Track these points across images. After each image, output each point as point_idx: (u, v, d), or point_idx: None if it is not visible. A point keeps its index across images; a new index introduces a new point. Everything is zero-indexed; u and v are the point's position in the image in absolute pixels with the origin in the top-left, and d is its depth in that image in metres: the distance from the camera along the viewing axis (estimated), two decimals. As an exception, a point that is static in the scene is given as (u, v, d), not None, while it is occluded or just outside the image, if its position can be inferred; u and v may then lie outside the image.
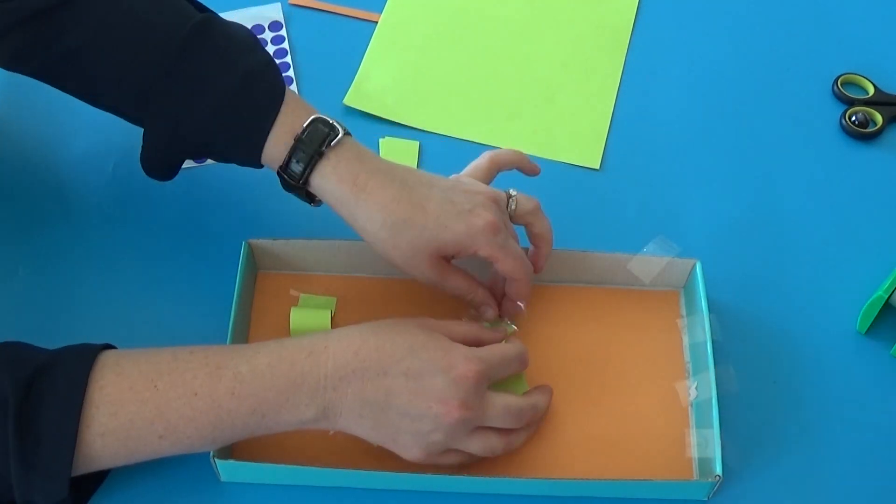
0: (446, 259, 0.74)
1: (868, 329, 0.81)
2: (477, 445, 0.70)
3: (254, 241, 0.80)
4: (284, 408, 0.65)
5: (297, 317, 0.79)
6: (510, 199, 0.76)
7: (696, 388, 0.78)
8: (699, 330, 0.79)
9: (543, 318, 0.81)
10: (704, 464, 0.75)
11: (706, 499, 0.74)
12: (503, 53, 0.99)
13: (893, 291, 0.79)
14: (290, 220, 0.85)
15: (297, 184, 0.72)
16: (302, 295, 0.81)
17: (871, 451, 0.77)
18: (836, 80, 0.97)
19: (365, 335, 0.67)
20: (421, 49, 0.98)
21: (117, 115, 0.79)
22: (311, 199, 0.75)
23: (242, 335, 0.78)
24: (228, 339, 0.74)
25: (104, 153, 0.89)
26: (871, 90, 0.97)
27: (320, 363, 0.66)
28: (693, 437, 0.77)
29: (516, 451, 0.74)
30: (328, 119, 0.73)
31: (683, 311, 0.83)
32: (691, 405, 0.78)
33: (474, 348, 0.69)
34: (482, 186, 0.75)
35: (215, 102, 0.72)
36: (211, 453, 0.69)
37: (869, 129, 0.94)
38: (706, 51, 1.00)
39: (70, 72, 0.76)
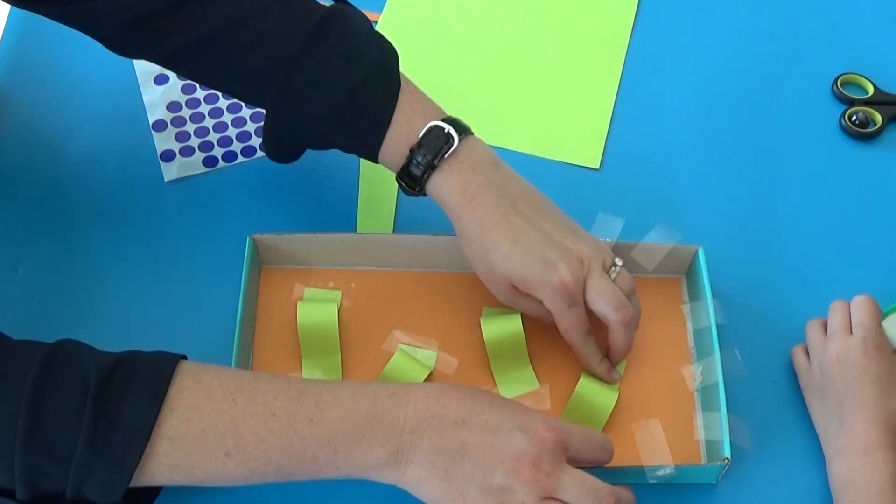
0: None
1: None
2: None
3: (258, 237, 0.80)
4: (359, 444, 0.63)
5: (304, 311, 0.79)
6: (612, 269, 0.75)
7: (702, 372, 0.79)
8: (703, 315, 0.79)
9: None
10: (712, 446, 0.75)
11: (715, 482, 0.75)
12: (503, 53, 1.00)
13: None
14: (292, 214, 0.86)
15: (413, 192, 0.75)
16: (307, 289, 0.82)
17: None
18: (835, 80, 0.98)
19: (446, 387, 0.67)
20: (420, 49, 0.99)
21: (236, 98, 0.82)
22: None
23: (249, 331, 0.78)
24: (236, 336, 0.74)
25: (104, 153, 0.89)
26: (871, 90, 0.97)
27: (402, 404, 0.65)
28: (700, 420, 0.77)
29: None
30: (444, 125, 0.73)
31: (686, 298, 0.83)
32: (697, 390, 0.79)
33: (557, 418, 0.68)
34: (582, 244, 0.74)
35: (332, 101, 0.73)
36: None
37: (869, 129, 0.94)
38: (706, 50, 1.00)
39: (190, 62, 0.77)
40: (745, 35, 1.02)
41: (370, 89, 0.74)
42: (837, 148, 0.94)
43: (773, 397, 0.79)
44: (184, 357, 0.66)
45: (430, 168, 0.73)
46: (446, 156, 0.72)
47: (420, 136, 0.73)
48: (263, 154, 0.86)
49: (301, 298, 0.81)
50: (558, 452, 0.65)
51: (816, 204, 0.90)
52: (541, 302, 0.74)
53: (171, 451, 0.62)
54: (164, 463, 0.62)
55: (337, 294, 0.81)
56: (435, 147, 0.73)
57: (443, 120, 0.74)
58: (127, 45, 0.77)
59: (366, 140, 0.75)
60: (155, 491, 0.68)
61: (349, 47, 0.74)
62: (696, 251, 0.81)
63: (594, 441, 0.68)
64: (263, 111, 0.77)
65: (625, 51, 1.00)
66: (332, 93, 0.73)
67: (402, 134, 0.74)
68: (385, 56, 0.75)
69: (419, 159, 0.73)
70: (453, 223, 0.75)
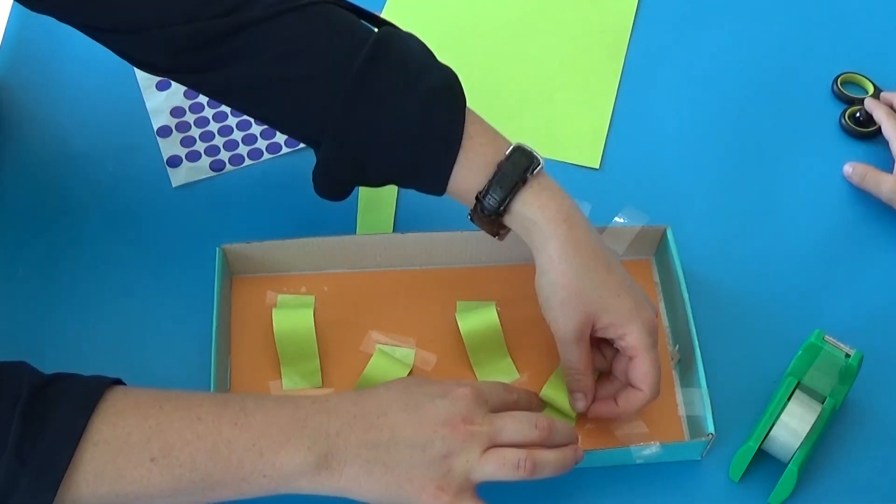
0: (591, 330, 0.73)
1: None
2: (494, 465, 0.65)
3: (227, 246, 0.80)
4: (284, 448, 0.63)
5: (280, 318, 0.79)
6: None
7: (678, 350, 0.80)
8: (675, 293, 0.80)
9: (521, 297, 0.81)
10: (693, 422, 0.77)
11: (700, 458, 0.76)
12: (503, 53, 0.99)
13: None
14: (257, 219, 0.86)
15: (495, 211, 0.71)
16: (280, 295, 0.82)
17: (856, 399, 0.78)
18: (835, 80, 0.97)
19: (361, 391, 0.68)
20: None
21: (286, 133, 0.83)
22: (499, 229, 0.74)
23: (225, 342, 0.78)
24: (213, 348, 0.74)
25: (104, 153, 0.89)
26: (871, 89, 0.97)
27: (323, 410, 0.65)
28: (680, 397, 0.79)
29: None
30: (526, 147, 0.72)
31: (657, 278, 0.84)
32: (674, 367, 0.80)
33: (470, 381, 0.70)
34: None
35: (393, 134, 0.72)
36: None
37: (868, 128, 0.94)
38: (705, 50, 1.00)
39: (244, 99, 0.76)
40: (744, 35, 1.01)
41: (437, 110, 0.72)
42: (837, 147, 0.94)
43: (752, 372, 0.80)
44: (120, 382, 0.66)
45: (521, 182, 0.71)
46: (534, 172, 0.71)
47: (507, 153, 0.72)
48: (270, 156, 0.88)
49: (275, 305, 0.81)
50: (481, 404, 0.67)
51: (816, 202, 0.90)
52: (592, 360, 0.74)
53: (97, 456, 0.61)
54: (88, 471, 0.61)
55: (310, 298, 0.82)
56: (523, 164, 0.71)
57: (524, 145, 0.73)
58: (176, 71, 0.76)
59: (439, 163, 0.73)
60: None
61: (409, 71, 0.73)
62: (665, 231, 0.82)
63: (504, 386, 0.72)
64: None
65: (625, 51, 0.99)
66: (396, 119, 0.72)
67: (485, 155, 0.72)
68: (445, 78, 0.74)
69: (505, 177, 0.71)
70: (540, 244, 0.72)
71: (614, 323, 0.71)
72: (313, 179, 0.77)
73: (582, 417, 0.77)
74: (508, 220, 0.73)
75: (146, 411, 0.63)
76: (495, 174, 0.71)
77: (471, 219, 0.75)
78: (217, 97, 0.78)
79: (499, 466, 0.65)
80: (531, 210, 0.71)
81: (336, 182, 0.77)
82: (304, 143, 0.81)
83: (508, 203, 0.71)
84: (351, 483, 0.64)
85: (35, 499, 0.60)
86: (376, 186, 0.78)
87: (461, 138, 0.72)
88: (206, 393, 0.67)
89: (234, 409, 0.64)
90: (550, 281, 0.71)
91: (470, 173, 0.72)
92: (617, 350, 0.75)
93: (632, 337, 0.71)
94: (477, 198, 0.72)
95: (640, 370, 0.72)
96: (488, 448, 0.65)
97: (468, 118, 0.73)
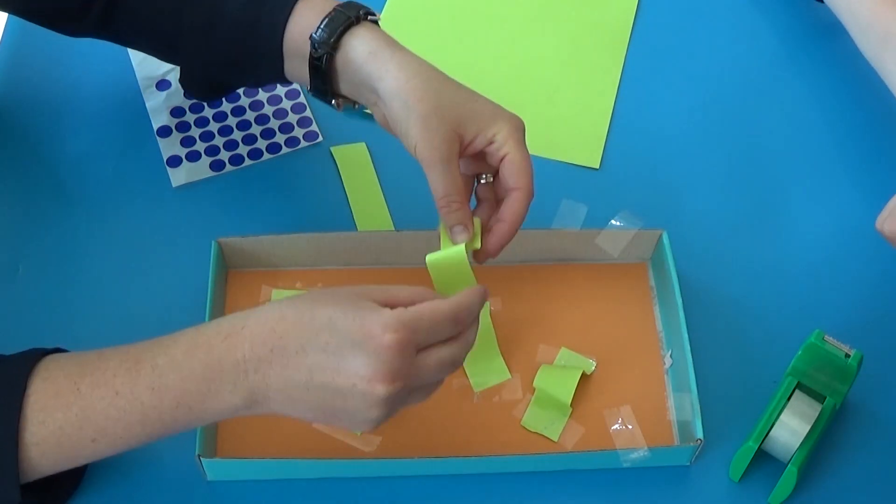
0: (460, 145, 0.69)
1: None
2: (418, 399, 0.64)
3: (223, 240, 0.80)
4: (208, 397, 0.62)
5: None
6: None
7: (671, 355, 0.79)
8: (670, 298, 0.80)
9: (516, 298, 0.82)
10: (684, 426, 0.75)
11: (689, 463, 0.75)
12: (503, 53, 1.00)
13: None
14: (257, 218, 0.86)
15: (326, 45, 0.71)
16: (274, 290, 0.81)
17: (856, 399, 0.78)
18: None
19: (283, 310, 0.62)
20: (420, 49, 0.97)
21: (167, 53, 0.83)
22: (333, 93, 0.74)
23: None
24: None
25: (104, 153, 0.89)
26: None
27: (237, 345, 0.61)
28: (671, 401, 0.78)
29: (500, 430, 0.75)
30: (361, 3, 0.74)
31: (652, 282, 0.84)
32: (667, 372, 0.79)
33: (398, 310, 0.61)
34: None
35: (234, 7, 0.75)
36: (195, 451, 0.69)
37: None
38: (705, 50, 1.01)
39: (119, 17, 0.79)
40: (744, 35, 1.02)
41: None
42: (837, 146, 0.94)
43: (752, 372, 0.79)
44: (56, 350, 0.66)
45: (355, 20, 0.72)
46: (369, 18, 0.73)
47: (335, 7, 0.72)
48: (270, 156, 0.89)
49: (269, 300, 0.81)
50: (406, 353, 0.60)
51: (816, 205, 0.90)
52: (465, 180, 0.71)
53: (43, 453, 0.62)
54: (42, 463, 0.62)
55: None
56: (357, 9, 0.72)
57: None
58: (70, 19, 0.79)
59: (275, 18, 0.73)
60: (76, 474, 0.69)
61: None
62: (661, 235, 0.82)
63: (445, 319, 0.62)
64: (264, 112, 0.78)
65: (625, 51, 1.00)
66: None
67: (322, 7, 0.73)
68: None
69: (335, 20, 0.71)
70: (381, 71, 0.70)
71: (481, 128, 0.69)
72: (179, 79, 0.82)
73: (574, 414, 0.76)
74: (342, 62, 0.72)
75: (66, 399, 0.62)
76: (327, 15, 0.72)
77: (310, 91, 0.75)
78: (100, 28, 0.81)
79: (424, 398, 0.64)
80: (364, 42, 0.71)
81: (197, 75, 0.80)
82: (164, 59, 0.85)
83: (340, 37, 0.71)
84: (280, 411, 0.63)
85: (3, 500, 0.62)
86: (235, 82, 0.82)
87: (291, 8, 0.73)
88: (118, 350, 0.64)
89: (146, 372, 0.62)
90: (403, 102, 0.68)
91: (303, 20, 0.73)
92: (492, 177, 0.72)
93: (501, 134, 0.69)
94: (311, 40, 0.72)
95: (514, 165, 0.69)
96: (411, 393, 0.63)
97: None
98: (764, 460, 0.74)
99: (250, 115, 0.92)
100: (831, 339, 0.75)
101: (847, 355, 0.74)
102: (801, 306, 0.83)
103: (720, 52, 1.01)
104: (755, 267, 0.86)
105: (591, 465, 0.74)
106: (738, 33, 1.03)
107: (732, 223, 0.88)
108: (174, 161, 0.89)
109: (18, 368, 0.63)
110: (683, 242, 0.82)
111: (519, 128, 0.70)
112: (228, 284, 0.82)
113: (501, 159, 0.70)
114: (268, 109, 0.92)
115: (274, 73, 0.77)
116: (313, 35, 0.72)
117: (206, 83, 0.82)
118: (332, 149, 0.90)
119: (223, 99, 0.93)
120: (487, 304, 0.80)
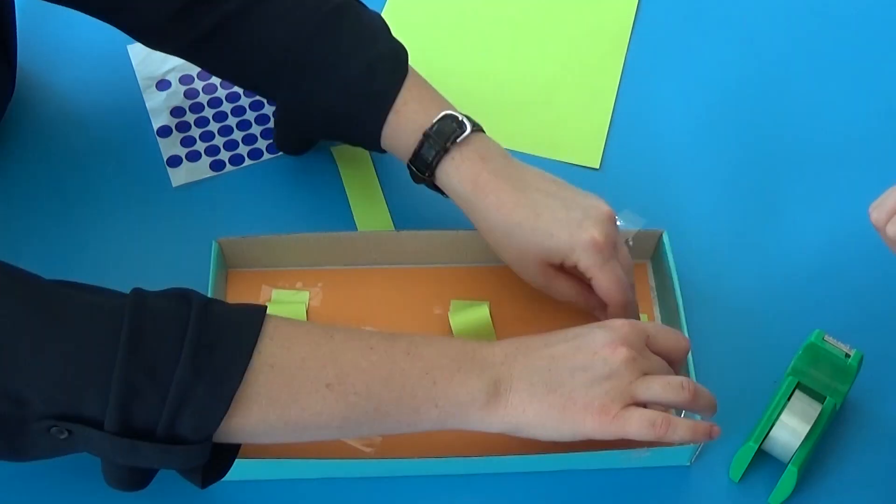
0: (555, 266, 0.75)
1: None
2: (648, 392, 0.67)
3: (223, 240, 0.80)
4: (456, 377, 0.65)
5: (273, 313, 0.78)
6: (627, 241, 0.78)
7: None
8: (670, 298, 0.80)
9: (514, 298, 0.82)
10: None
11: (689, 463, 0.75)
12: (503, 53, 1.00)
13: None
14: (257, 218, 0.86)
15: (423, 176, 0.76)
16: (274, 290, 0.81)
17: (856, 399, 0.77)
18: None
19: (521, 337, 0.69)
20: (420, 49, 0.97)
21: (254, 91, 0.87)
22: (440, 192, 0.78)
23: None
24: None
25: (104, 153, 0.89)
26: None
27: (486, 345, 0.67)
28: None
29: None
30: (458, 115, 0.76)
31: (652, 282, 0.84)
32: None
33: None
34: (600, 201, 0.76)
35: (342, 83, 0.77)
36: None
37: None
38: (706, 50, 1.01)
39: (210, 50, 0.80)
40: (744, 34, 1.02)
41: (380, 71, 0.76)
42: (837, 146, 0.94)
43: (752, 372, 0.79)
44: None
45: (443, 151, 0.74)
46: (458, 141, 0.74)
47: (434, 121, 0.75)
48: (270, 157, 0.88)
49: (269, 300, 0.81)
50: (640, 337, 0.69)
51: (817, 205, 0.90)
52: (576, 281, 0.76)
53: (272, 379, 0.61)
54: (262, 394, 0.60)
55: (305, 294, 0.81)
56: (447, 132, 0.75)
57: (457, 113, 0.76)
58: (161, 35, 0.81)
59: (371, 121, 0.77)
60: (226, 464, 0.66)
61: (362, 34, 0.78)
62: (661, 235, 0.82)
63: (669, 330, 0.72)
64: (264, 112, 0.80)
65: (625, 51, 1.00)
66: (343, 77, 0.76)
67: (415, 121, 0.76)
68: (395, 46, 0.79)
69: (431, 143, 0.75)
70: (469, 215, 0.76)
71: (563, 257, 0.74)
72: (274, 130, 0.86)
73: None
74: (439, 184, 0.77)
75: (317, 339, 0.63)
76: (422, 142, 0.75)
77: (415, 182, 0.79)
78: (190, 54, 0.83)
79: (654, 395, 0.67)
80: (452, 181, 0.75)
81: (293, 132, 0.84)
82: (268, 95, 0.87)
83: (434, 169, 0.75)
84: (516, 410, 0.66)
85: (207, 414, 0.59)
86: (330, 139, 0.86)
87: (393, 102, 0.76)
88: (370, 329, 0.68)
89: (404, 341, 0.66)
90: (494, 242, 0.75)
91: (402, 137, 0.77)
92: None
93: (581, 262, 0.73)
94: (409, 163, 0.77)
95: (601, 290, 0.74)
96: (642, 377, 0.67)
97: (409, 83, 0.77)
98: (764, 460, 0.74)
99: (250, 115, 0.92)
100: (831, 339, 0.75)
101: (847, 355, 0.74)
102: (801, 306, 0.83)
103: (720, 52, 1.01)
104: (755, 267, 0.86)
105: (592, 466, 0.74)
106: (737, 33, 1.03)
107: (732, 223, 0.88)
108: (174, 161, 0.89)
109: (251, 307, 0.63)
110: (683, 242, 0.82)
111: (598, 246, 0.73)
112: (228, 284, 0.82)
113: (590, 280, 0.74)
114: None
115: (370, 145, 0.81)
116: (410, 165, 0.77)
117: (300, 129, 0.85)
118: (332, 148, 0.90)
119: (223, 99, 0.93)
120: (487, 303, 0.81)
